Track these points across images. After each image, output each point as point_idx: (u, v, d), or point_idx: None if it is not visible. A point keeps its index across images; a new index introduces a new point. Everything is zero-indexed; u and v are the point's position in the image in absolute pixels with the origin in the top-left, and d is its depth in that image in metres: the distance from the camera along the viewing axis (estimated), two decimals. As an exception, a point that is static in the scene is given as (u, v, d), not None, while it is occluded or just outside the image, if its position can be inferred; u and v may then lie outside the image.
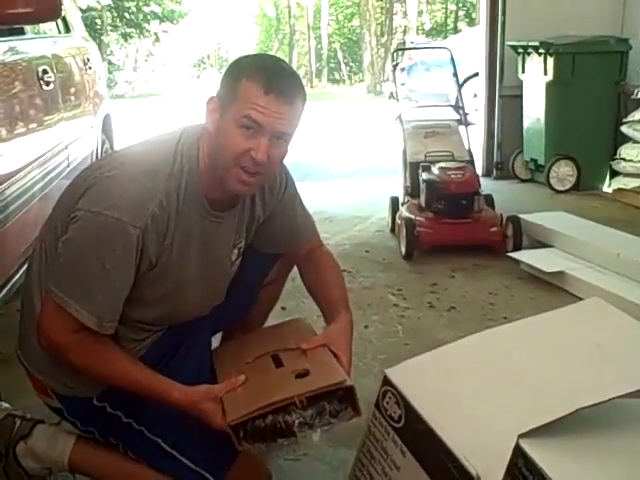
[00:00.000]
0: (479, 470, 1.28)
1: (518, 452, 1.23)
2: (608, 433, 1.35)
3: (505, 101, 6.41)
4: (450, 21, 25.36)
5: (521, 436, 1.25)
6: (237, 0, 24.82)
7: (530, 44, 5.83)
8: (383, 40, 23.49)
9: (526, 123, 6.19)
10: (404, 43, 19.97)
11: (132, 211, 1.57)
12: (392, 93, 5.34)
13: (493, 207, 4.63)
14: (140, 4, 21.95)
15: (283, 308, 3.19)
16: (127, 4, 21.84)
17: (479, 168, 5.82)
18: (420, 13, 24.82)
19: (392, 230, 4.80)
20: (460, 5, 24.91)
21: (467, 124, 5.03)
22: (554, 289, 3.71)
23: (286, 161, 1.81)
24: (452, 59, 5.35)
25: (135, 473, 1.79)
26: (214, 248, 1.78)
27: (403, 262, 4.25)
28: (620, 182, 5.68)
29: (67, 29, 4.03)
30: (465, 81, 6.14)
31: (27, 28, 3.13)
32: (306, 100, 1.67)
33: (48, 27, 3.63)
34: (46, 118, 3.04)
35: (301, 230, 2.00)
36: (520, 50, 6.03)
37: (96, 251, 1.58)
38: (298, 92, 1.64)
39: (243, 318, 2.08)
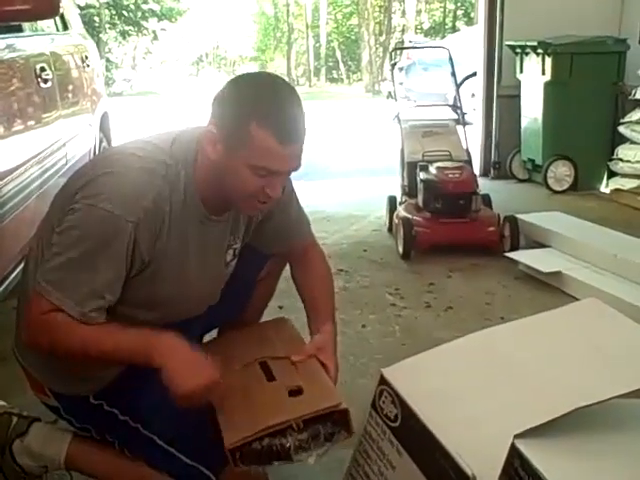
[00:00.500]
0: (475, 470, 1.28)
1: (514, 452, 1.23)
2: (605, 433, 1.35)
3: (503, 101, 6.41)
4: (448, 20, 25.38)
5: (517, 436, 1.25)
6: (235, -2, 24.82)
7: (528, 44, 5.84)
8: (381, 39, 23.51)
9: (524, 123, 6.19)
10: (402, 42, 19.97)
11: (126, 205, 1.58)
12: (390, 92, 5.36)
13: (490, 207, 4.63)
14: (138, 2, 21.93)
15: (280, 307, 3.19)
16: (125, 2, 21.83)
17: (477, 168, 5.83)
18: (419, 12, 24.84)
19: (389, 229, 4.80)
20: (459, 4, 24.92)
21: (465, 124, 5.03)
22: (551, 289, 3.71)
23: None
24: (450, 58, 5.35)
25: (131, 470, 1.79)
26: (210, 251, 1.79)
27: (400, 262, 4.25)
28: (617, 183, 5.68)
29: (65, 27, 4.03)
30: (463, 81, 6.14)
31: (25, 25, 3.13)
32: None
33: (46, 24, 3.63)
34: (44, 116, 3.04)
35: (296, 229, 2.01)
36: (518, 50, 6.04)
37: (87, 242, 1.58)
38: (305, 126, 1.64)
39: (238, 315, 2.08)
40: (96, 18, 20.47)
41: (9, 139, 2.55)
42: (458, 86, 5.38)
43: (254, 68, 24.54)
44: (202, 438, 1.71)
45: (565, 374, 1.46)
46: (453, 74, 5.34)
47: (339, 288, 3.78)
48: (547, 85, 5.77)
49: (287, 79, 23.80)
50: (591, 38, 5.72)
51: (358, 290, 3.79)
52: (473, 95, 7.11)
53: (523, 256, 4.03)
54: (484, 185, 5.17)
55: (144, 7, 21.99)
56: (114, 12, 21.72)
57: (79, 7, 9.17)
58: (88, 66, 4.16)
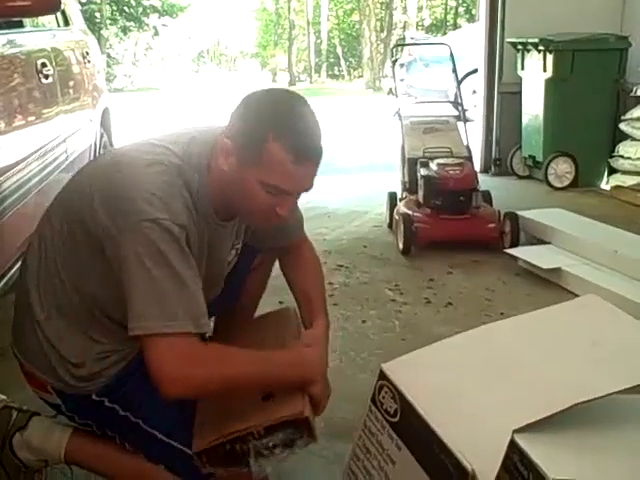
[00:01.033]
0: (474, 465, 1.29)
1: (513, 447, 1.23)
2: (604, 429, 1.36)
3: (504, 98, 6.41)
4: (450, 17, 25.37)
5: (516, 431, 1.25)
6: (237, -5, 24.81)
7: (529, 41, 5.83)
8: (383, 36, 23.48)
9: (525, 120, 6.19)
10: (404, 39, 19.95)
11: (171, 211, 1.54)
12: (391, 89, 5.36)
13: (491, 203, 4.63)
14: (140, -3, 21.92)
15: (280, 302, 3.19)
16: (126, -3, 21.82)
17: (477, 164, 5.82)
18: (420, 9, 24.84)
19: (390, 226, 4.81)
20: (460, 1, 24.90)
21: (466, 120, 5.03)
22: (551, 286, 3.72)
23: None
24: (451, 55, 5.35)
25: (131, 465, 1.79)
26: (216, 252, 1.79)
27: (401, 258, 4.25)
28: (618, 179, 5.68)
29: (66, 22, 4.03)
30: (464, 77, 6.14)
31: (26, 21, 3.13)
32: None
33: (47, 20, 3.63)
34: (44, 111, 3.04)
35: (292, 229, 2.01)
36: (519, 47, 6.03)
37: (160, 260, 1.52)
38: (322, 145, 1.63)
39: (234, 303, 2.09)
40: (97, 14, 20.43)
41: (10, 134, 2.55)
42: (459, 83, 5.37)
43: (255, 64, 24.54)
44: None
45: (564, 370, 1.46)
46: (454, 71, 5.33)
47: (339, 284, 3.79)
48: (548, 82, 5.77)
49: (288, 75, 23.80)
50: (592, 35, 5.71)
51: (358, 286, 3.80)
52: (474, 92, 7.11)
53: (523, 252, 4.03)
54: (484, 182, 5.17)
55: (145, 3, 21.96)
56: (115, 8, 21.68)
57: (80, 3, 9.16)
58: (89, 62, 4.16)
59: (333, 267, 4.03)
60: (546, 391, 1.39)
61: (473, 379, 1.54)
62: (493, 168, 6.54)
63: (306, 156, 1.59)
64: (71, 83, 3.65)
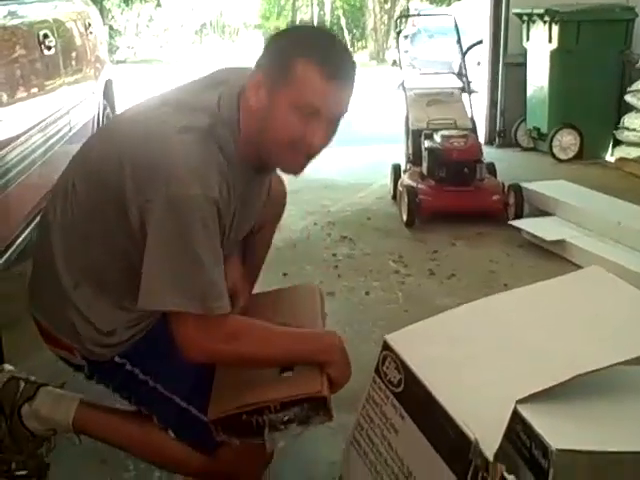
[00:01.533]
0: (477, 434, 1.30)
1: (516, 417, 1.24)
2: (607, 399, 1.36)
3: (509, 69, 6.38)
4: (454, -13, 25.12)
5: (519, 401, 1.26)
6: (239, -35, 24.57)
7: (535, 12, 5.79)
8: (387, 7, 23.25)
9: (529, 91, 6.16)
10: (408, 10, 19.78)
11: (203, 183, 1.50)
12: (395, 60, 5.33)
13: (495, 175, 4.63)
14: (142, -32, 21.72)
15: (285, 274, 3.20)
16: (129, -32, 21.61)
17: (481, 136, 5.80)
18: (424, -21, 24.57)
19: (394, 197, 4.80)
20: (465, -29, 24.64)
21: (470, 92, 5.01)
22: (555, 257, 3.72)
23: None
24: (456, 26, 5.31)
25: (138, 435, 1.81)
26: (249, 207, 1.75)
27: (404, 229, 4.26)
28: (623, 151, 5.66)
29: (68, -7, 4.00)
30: (469, 49, 6.07)
31: (28, -9, 3.11)
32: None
33: (49, -10, 3.61)
34: (47, 83, 3.03)
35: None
36: (525, 18, 5.99)
37: (184, 238, 1.50)
38: (354, 71, 1.60)
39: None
40: (99, -16, 20.28)
41: (13, 106, 2.55)
42: (463, 54, 5.35)
43: (258, 35, 24.33)
44: None
45: (567, 341, 1.46)
46: (459, 42, 5.30)
47: (343, 255, 3.79)
48: (553, 53, 5.73)
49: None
50: (598, 5, 5.67)
51: (362, 257, 3.80)
52: (479, 63, 7.06)
53: (527, 224, 4.04)
54: (489, 153, 5.16)
55: (147, -27, 21.77)
56: (117, -22, 21.50)
57: (82, -27, 9.06)
58: (91, 33, 4.13)
59: (337, 238, 4.03)
60: (549, 362, 1.39)
61: (476, 350, 1.54)
62: (497, 140, 6.52)
63: (334, 72, 1.54)
64: (73, 54, 3.63)
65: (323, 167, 5.42)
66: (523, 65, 6.16)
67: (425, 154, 4.47)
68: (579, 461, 1.15)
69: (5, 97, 2.47)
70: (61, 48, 3.26)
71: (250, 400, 1.62)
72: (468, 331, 1.62)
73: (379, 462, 1.57)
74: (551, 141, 5.91)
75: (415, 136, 4.72)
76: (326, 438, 2.04)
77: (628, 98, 5.58)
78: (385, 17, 22.66)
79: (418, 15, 14.18)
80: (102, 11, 16.83)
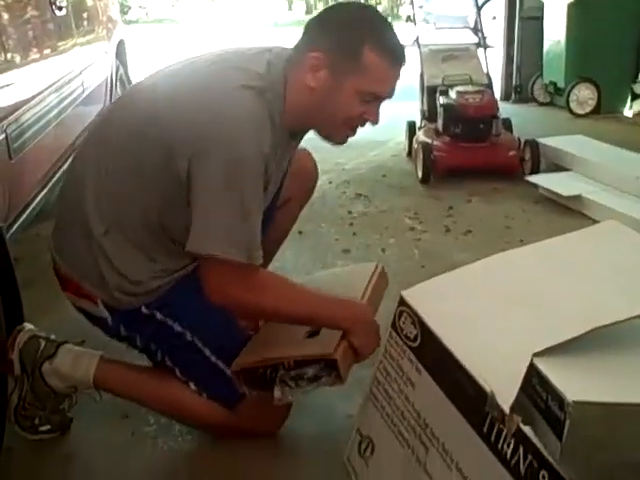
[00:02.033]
0: (493, 387, 1.30)
1: (532, 370, 1.24)
2: (624, 353, 1.36)
3: (525, 23, 6.30)
4: (469, -60, 24.66)
5: (536, 355, 1.26)
6: None
7: (551, -37, 5.70)
8: (400, -39, 22.92)
9: (546, 45, 6.08)
10: (422, -36, 19.49)
11: (254, 139, 1.56)
12: (409, 16, 5.23)
13: (511, 131, 4.59)
14: None
15: (300, 232, 3.22)
16: None
17: (497, 92, 5.75)
18: None
19: (409, 154, 4.79)
20: None
21: (486, 47, 4.95)
22: (571, 213, 3.70)
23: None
24: (471, -21, 5.23)
25: (157, 391, 1.84)
26: (276, 178, 1.79)
27: (420, 186, 4.25)
28: (641, 105, 5.60)
29: (78, -48, 3.96)
30: (484, 3, 5.99)
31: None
32: None
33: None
34: (59, 44, 3.01)
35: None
36: (541, -31, 5.90)
37: (233, 189, 1.55)
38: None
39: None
40: (109, -57, 20.05)
41: (26, 68, 2.54)
42: (479, 8, 5.27)
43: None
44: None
45: (584, 295, 1.46)
46: (474, -5, 5.22)
47: (358, 213, 3.79)
48: (571, 6, 5.64)
49: (304, 4, 23.40)
50: (617, -44, 5.57)
51: (377, 214, 3.80)
52: (494, 17, 6.96)
53: (543, 180, 4.01)
54: (505, 109, 5.10)
55: None
56: (128, -64, 21.26)
57: None
58: (103, -8, 4.11)
59: (352, 196, 4.03)
60: (566, 316, 1.39)
61: (492, 305, 1.54)
62: (514, 95, 6.46)
63: (399, 59, 1.64)
64: (85, 15, 3.61)
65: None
66: (539, 19, 6.07)
67: (440, 110, 4.44)
68: (595, 412, 1.15)
69: (18, 59, 2.47)
70: (72, 9, 3.24)
71: (268, 355, 1.72)
72: (484, 286, 1.62)
73: (396, 415, 1.59)
74: (568, 96, 5.85)
75: (430, 92, 4.68)
76: (342, 392, 2.06)
77: (647, 50, 5.51)
78: (399, -28, 22.30)
79: (432, -31, 13.95)
80: (113, -30, 16.67)
